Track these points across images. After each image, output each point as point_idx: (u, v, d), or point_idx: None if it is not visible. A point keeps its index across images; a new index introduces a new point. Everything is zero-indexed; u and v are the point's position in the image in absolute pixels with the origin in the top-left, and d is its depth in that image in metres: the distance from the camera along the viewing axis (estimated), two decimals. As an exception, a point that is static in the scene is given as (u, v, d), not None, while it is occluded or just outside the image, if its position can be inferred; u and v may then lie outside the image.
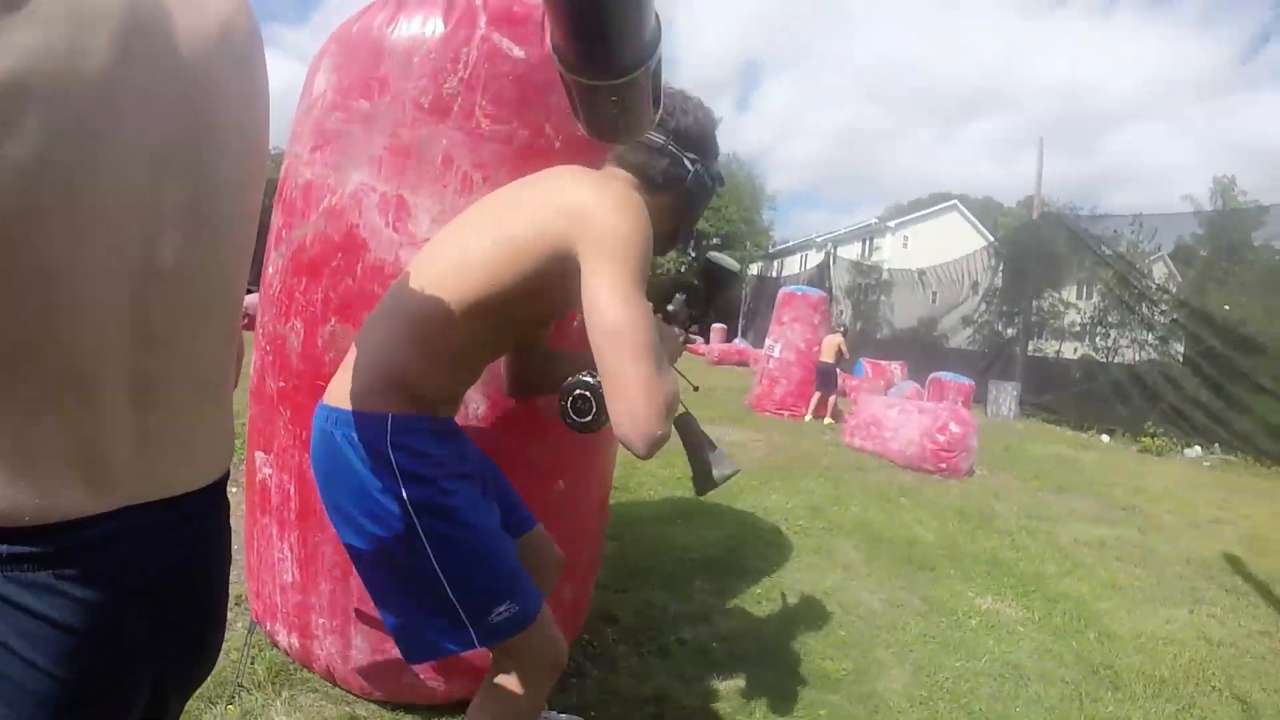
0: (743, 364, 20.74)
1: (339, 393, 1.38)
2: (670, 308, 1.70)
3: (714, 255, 1.81)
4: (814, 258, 41.16)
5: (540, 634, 1.46)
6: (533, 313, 1.51)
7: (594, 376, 1.39)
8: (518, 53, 1.96)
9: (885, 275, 29.45)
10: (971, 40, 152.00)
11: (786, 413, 11.04)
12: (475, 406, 1.97)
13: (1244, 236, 18.00)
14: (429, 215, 1.92)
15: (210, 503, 0.85)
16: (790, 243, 52.60)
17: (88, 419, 0.66)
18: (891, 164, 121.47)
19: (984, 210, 50.37)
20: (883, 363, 18.58)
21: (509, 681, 1.48)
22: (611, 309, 1.23)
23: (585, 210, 1.31)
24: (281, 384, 2.06)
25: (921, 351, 21.78)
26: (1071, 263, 19.59)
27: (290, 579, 2.10)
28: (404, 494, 1.31)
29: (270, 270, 2.16)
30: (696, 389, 2.09)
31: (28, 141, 0.56)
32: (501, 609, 1.39)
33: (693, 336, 1.84)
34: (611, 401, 1.23)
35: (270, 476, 2.12)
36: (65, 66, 0.58)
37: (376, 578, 1.45)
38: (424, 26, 1.98)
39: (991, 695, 2.79)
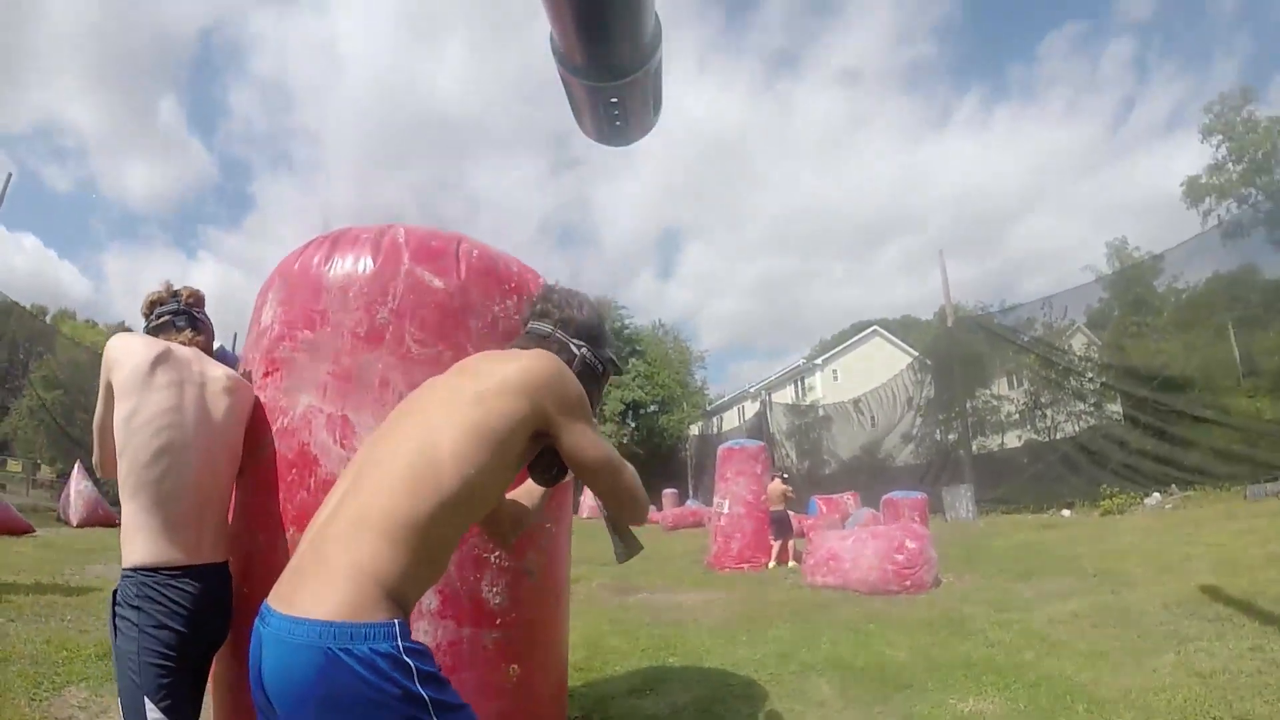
0: (698, 525, 20.22)
1: (329, 606, 1.24)
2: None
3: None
4: (751, 407, 41.78)
5: None
6: (498, 487, 1.59)
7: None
8: (438, 284, 2.30)
9: (821, 412, 29.96)
10: (867, 174, 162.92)
11: (747, 565, 10.77)
12: (428, 601, 2.10)
13: (1147, 288, 19.12)
14: (371, 432, 2.02)
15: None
16: (726, 397, 53.37)
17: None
18: (813, 303, 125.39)
19: (905, 329, 52.42)
20: (835, 496, 18.48)
21: None
22: (596, 453, 1.62)
23: (542, 385, 1.56)
24: (245, 589, 2.11)
25: (871, 476, 21.85)
26: (994, 358, 20.38)
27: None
28: (425, 695, 1.24)
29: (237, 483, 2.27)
30: None
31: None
32: None
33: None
34: (623, 508, 1.73)
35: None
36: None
37: None
38: (356, 264, 2.30)
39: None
